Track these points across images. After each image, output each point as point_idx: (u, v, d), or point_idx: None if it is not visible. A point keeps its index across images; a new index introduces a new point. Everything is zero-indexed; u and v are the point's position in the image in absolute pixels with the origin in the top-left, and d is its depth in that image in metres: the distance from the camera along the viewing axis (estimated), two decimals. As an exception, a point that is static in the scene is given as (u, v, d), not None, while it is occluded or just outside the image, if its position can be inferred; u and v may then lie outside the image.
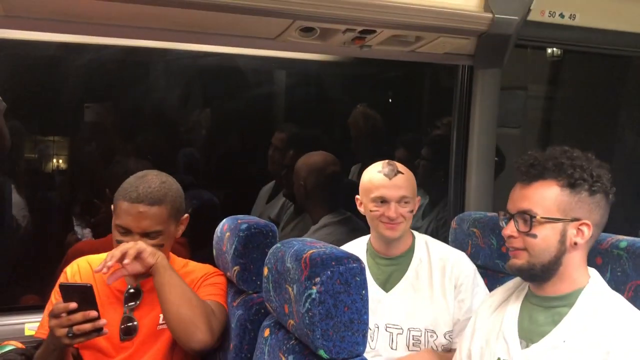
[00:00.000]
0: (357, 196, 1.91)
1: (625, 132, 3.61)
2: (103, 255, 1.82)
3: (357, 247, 1.96)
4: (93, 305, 1.51)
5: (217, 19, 1.86)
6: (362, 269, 1.34)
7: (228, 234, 1.83)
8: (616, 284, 1.52)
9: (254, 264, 1.76)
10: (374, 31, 1.96)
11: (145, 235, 1.70)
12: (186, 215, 1.83)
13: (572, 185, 1.36)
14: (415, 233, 1.95)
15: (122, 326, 1.74)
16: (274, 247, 1.55)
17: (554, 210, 1.36)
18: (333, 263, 1.31)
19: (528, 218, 1.37)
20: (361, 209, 1.91)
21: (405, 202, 1.83)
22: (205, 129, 3.05)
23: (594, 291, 1.39)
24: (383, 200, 1.82)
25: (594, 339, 1.30)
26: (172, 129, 2.96)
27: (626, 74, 3.44)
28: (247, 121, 3.03)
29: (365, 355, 1.83)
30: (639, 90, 3.47)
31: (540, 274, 1.40)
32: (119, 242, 1.68)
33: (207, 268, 1.90)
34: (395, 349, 1.83)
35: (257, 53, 2.34)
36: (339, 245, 1.98)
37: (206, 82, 2.97)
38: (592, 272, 1.44)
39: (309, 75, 3.07)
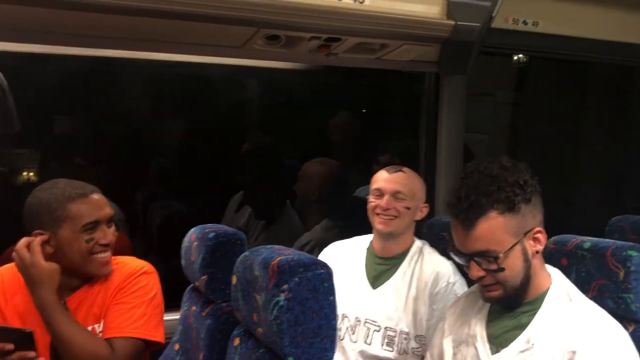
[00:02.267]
0: (368, 196, 1.97)
1: (590, 135, 3.68)
2: None
3: (362, 242, 2.03)
4: (31, 347, 1.48)
5: (182, 28, 1.86)
6: (330, 275, 1.34)
7: (196, 243, 1.81)
8: (581, 283, 1.55)
9: (223, 272, 1.74)
10: (339, 39, 1.97)
11: None
12: None
13: (510, 208, 1.35)
14: (417, 239, 1.99)
15: (52, 344, 1.60)
16: (243, 255, 1.53)
17: (508, 239, 1.35)
18: (301, 269, 1.31)
19: (492, 260, 1.36)
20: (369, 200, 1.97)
21: (400, 198, 1.88)
22: (175, 139, 3.03)
23: (558, 292, 1.41)
24: (379, 193, 1.90)
25: (561, 340, 1.32)
26: (141, 140, 2.93)
27: (589, 80, 3.52)
28: (217, 131, 3.01)
29: (347, 348, 1.85)
30: (600, 94, 3.56)
31: (515, 297, 1.41)
32: None
33: (132, 267, 1.73)
34: (370, 344, 1.87)
35: (225, 62, 2.33)
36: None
37: (175, 92, 2.95)
38: (553, 271, 1.46)
39: (280, 84, 3.07)
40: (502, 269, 1.36)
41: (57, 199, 1.60)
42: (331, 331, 1.33)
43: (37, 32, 1.90)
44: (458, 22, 1.98)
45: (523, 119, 3.69)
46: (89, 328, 1.64)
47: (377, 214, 1.89)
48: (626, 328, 1.44)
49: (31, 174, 2.68)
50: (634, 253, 1.54)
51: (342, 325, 1.92)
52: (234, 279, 1.53)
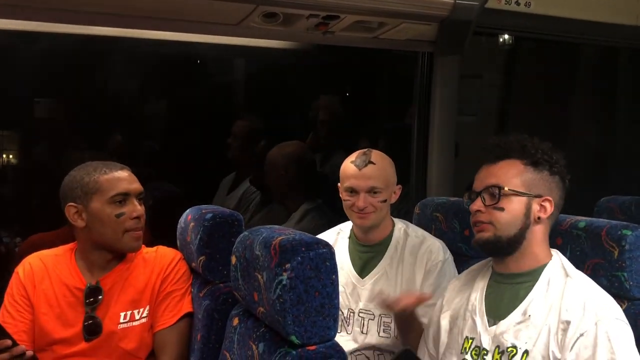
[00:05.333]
0: (338, 184, 1.93)
1: (578, 119, 3.71)
2: (55, 250, 1.79)
3: (343, 231, 2.00)
4: (5, 335, 1.49)
5: (177, 4, 1.82)
6: (332, 254, 1.34)
7: (192, 224, 1.80)
8: (575, 262, 1.56)
9: (220, 253, 1.73)
10: (338, 17, 1.95)
11: None
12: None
13: (535, 163, 1.44)
14: (396, 220, 1.97)
15: (86, 324, 1.68)
16: (242, 235, 1.53)
17: (519, 185, 1.43)
18: (303, 249, 1.31)
19: (496, 191, 1.42)
20: (342, 196, 1.93)
21: (376, 193, 1.84)
22: (165, 120, 2.99)
23: (557, 267, 1.44)
24: (353, 191, 1.85)
25: (556, 311, 1.35)
26: (131, 120, 2.89)
27: (578, 62, 3.54)
28: (207, 111, 2.98)
29: (342, 340, 1.86)
30: (590, 77, 3.59)
31: (505, 247, 1.44)
32: None
33: (169, 254, 1.83)
34: (366, 334, 1.86)
35: (218, 41, 2.29)
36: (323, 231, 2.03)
37: (165, 72, 2.91)
38: (555, 251, 1.49)
39: (270, 64, 3.03)
40: (501, 208, 1.41)
41: (89, 173, 1.70)
42: (334, 310, 1.33)
43: (26, 9, 1.84)
44: (457, 1, 1.97)
45: (510, 102, 3.71)
46: (125, 313, 1.71)
47: (354, 212, 1.86)
48: (620, 305, 1.46)
49: (10, 156, 2.64)
50: (628, 232, 1.56)
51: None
52: (234, 259, 1.52)
